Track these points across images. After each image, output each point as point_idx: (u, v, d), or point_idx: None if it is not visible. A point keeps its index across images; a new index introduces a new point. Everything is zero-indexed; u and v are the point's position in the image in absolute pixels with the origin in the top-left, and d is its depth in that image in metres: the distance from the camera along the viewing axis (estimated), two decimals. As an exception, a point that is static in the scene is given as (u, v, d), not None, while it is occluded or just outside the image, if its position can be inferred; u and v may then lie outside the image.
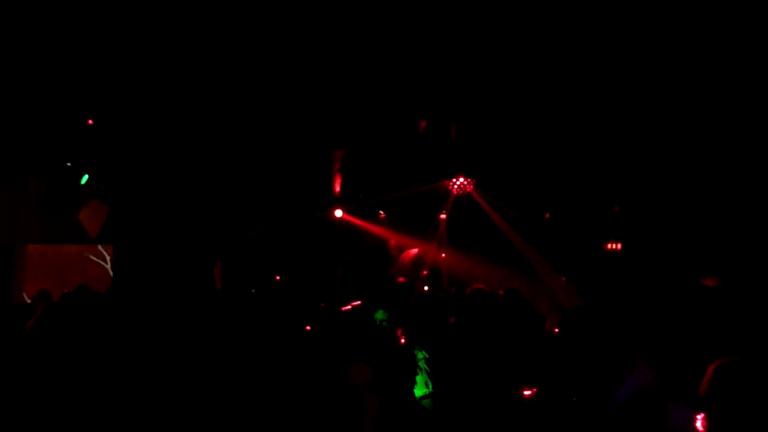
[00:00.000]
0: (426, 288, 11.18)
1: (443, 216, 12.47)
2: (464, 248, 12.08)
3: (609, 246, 11.59)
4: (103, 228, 10.40)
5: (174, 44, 8.20)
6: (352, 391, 1.32)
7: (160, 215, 11.21)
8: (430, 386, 3.03)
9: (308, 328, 4.65)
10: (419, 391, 3.13)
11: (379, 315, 4.71)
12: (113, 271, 10.36)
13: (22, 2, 7.23)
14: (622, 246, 11.43)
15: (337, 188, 12.04)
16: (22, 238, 10.33)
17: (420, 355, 3.44)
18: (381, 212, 12.62)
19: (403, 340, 4.06)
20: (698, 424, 1.92)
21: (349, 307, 6.26)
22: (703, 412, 2.06)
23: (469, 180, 11.85)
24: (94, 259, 10.58)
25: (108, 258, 10.69)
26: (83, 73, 8.49)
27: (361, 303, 6.29)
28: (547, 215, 11.60)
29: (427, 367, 3.20)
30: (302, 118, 10.26)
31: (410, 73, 9.15)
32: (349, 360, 1.35)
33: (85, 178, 9.55)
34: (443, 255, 12.31)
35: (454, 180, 11.94)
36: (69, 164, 8.96)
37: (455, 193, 12.08)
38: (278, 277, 10.81)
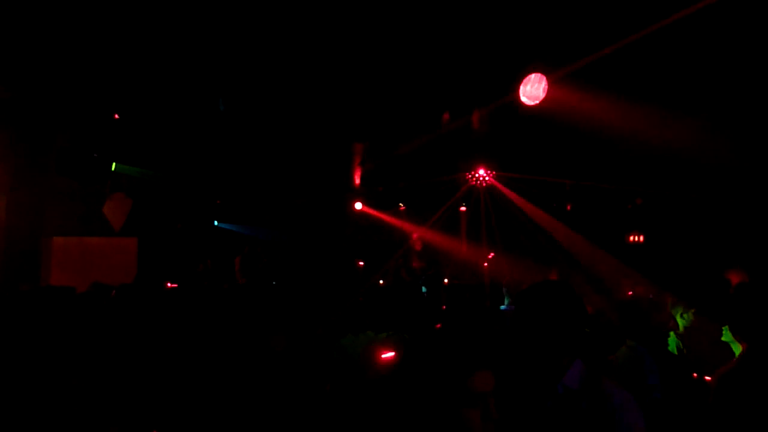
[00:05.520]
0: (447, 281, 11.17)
1: (463, 209, 12.44)
2: (483, 240, 12.05)
3: (631, 238, 11.51)
4: (127, 221, 10.50)
5: (197, 40, 8.21)
6: (480, 399, 1.33)
7: (182, 209, 11.29)
8: None
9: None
10: None
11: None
12: (138, 264, 10.42)
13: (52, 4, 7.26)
14: (644, 238, 11.36)
15: (357, 180, 12.04)
16: (48, 231, 10.47)
17: None
18: (401, 204, 12.62)
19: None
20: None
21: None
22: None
23: (489, 172, 11.80)
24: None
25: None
26: (109, 67, 8.53)
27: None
28: (569, 207, 11.53)
29: None
30: (323, 111, 10.25)
31: (431, 64, 9.09)
32: (473, 367, 1.36)
33: (114, 166, 9.60)
34: (464, 248, 12.28)
35: (473, 172, 11.90)
36: (96, 158, 9.03)
37: (475, 184, 12.04)
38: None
